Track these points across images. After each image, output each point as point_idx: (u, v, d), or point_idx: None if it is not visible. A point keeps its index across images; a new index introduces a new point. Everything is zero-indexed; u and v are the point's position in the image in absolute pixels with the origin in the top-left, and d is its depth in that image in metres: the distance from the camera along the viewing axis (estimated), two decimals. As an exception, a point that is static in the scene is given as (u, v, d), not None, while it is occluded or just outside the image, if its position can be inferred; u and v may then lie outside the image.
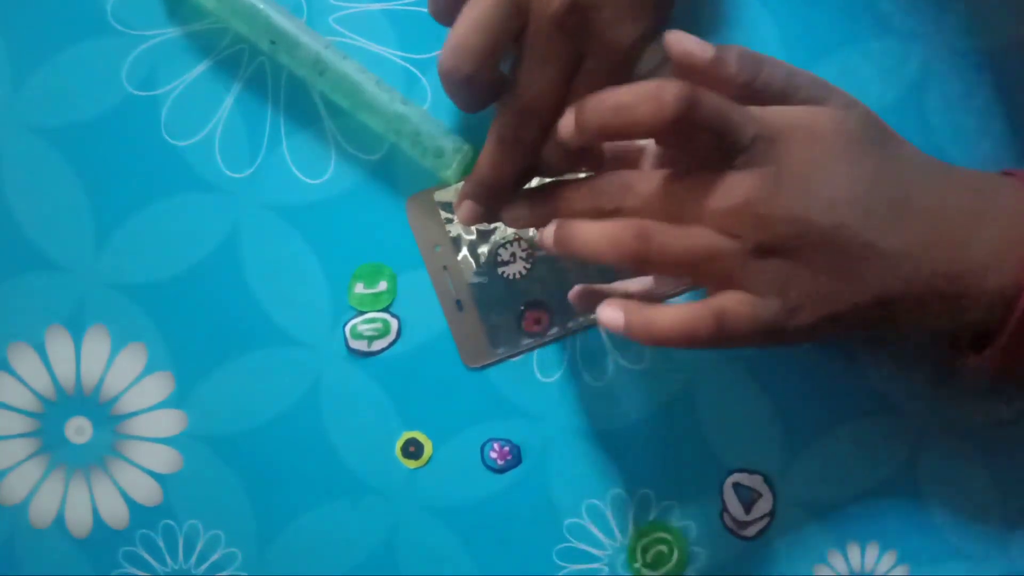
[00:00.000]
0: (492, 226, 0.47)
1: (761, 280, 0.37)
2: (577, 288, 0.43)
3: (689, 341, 0.37)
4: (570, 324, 0.46)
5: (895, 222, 0.38)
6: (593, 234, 0.38)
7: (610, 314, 0.38)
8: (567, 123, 0.38)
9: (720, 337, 0.37)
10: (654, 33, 0.40)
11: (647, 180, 0.39)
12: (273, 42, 0.44)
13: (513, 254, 0.47)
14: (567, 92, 0.40)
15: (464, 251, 0.47)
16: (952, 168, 0.41)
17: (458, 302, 0.47)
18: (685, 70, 0.38)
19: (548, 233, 0.39)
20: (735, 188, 0.37)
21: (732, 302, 0.38)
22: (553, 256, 0.46)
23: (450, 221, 0.47)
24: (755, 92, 0.39)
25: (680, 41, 0.38)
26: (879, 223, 0.38)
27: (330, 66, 0.44)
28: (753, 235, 0.37)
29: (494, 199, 0.42)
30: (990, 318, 0.39)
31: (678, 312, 0.38)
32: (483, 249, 0.47)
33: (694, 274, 0.38)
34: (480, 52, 0.39)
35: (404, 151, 0.46)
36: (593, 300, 0.41)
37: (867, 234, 0.38)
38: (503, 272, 0.47)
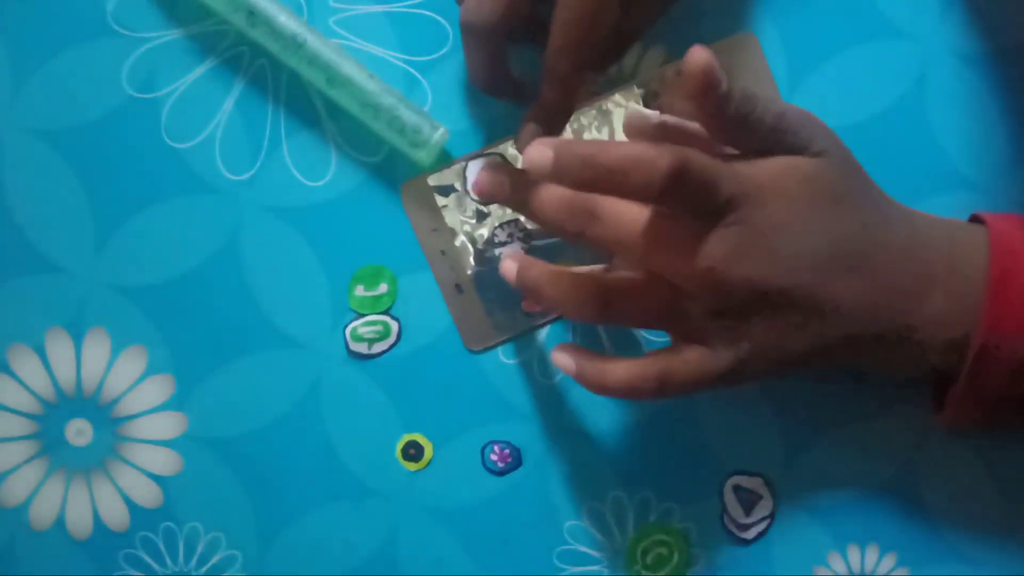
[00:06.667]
0: (488, 209, 0.46)
1: (717, 336, 0.39)
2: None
3: (633, 396, 0.40)
4: None
5: (850, 278, 0.39)
6: (557, 289, 0.39)
7: (563, 360, 0.41)
8: (539, 157, 0.37)
9: (662, 395, 0.40)
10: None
11: (621, 216, 0.38)
12: (252, 12, 0.44)
13: (511, 235, 0.47)
14: None
15: (461, 235, 0.46)
16: (916, 220, 0.42)
17: (457, 286, 0.46)
18: (693, 89, 0.37)
19: (509, 267, 0.41)
20: (701, 252, 0.38)
21: (678, 362, 0.39)
22: (549, 235, 0.47)
23: (445, 206, 0.46)
24: (745, 127, 0.39)
25: (702, 62, 0.36)
26: (834, 280, 0.39)
27: (308, 39, 0.44)
28: (713, 299, 0.39)
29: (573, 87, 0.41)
30: (948, 366, 0.41)
31: (627, 369, 0.40)
32: (480, 232, 0.46)
33: (655, 328, 0.42)
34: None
35: (380, 132, 0.45)
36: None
37: (821, 291, 0.39)
38: (500, 253, 0.47)
